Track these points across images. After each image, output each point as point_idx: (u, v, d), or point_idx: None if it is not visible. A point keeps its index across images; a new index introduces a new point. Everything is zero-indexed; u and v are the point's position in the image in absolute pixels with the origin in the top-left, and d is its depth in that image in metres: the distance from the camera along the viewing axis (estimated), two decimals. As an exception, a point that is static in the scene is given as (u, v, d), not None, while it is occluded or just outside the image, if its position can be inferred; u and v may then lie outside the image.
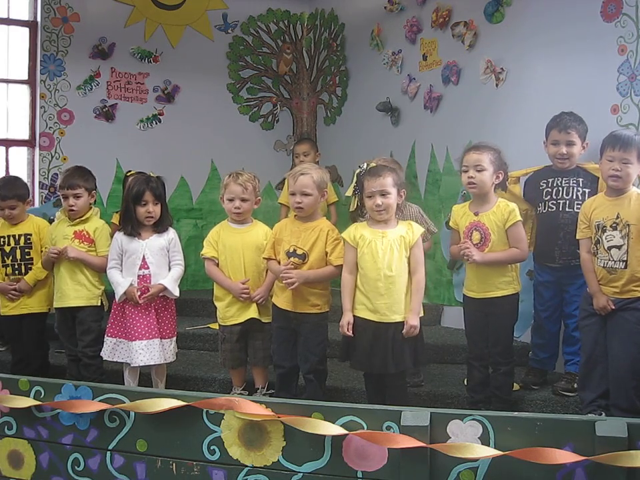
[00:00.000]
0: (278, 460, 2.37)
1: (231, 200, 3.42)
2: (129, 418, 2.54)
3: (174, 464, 2.49)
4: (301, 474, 2.35)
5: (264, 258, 3.36)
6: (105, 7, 5.45)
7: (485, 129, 4.20)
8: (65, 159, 5.29)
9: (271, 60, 6.09)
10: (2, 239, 3.81)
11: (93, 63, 5.44)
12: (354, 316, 3.09)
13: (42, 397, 2.65)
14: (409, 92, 4.97)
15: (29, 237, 3.81)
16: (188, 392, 2.67)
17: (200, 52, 5.75)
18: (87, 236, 3.62)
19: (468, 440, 2.19)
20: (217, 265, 3.49)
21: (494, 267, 3.17)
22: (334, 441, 2.30)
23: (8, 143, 5.36)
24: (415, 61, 4.94)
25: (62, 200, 3.66)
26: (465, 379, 3.54)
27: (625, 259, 2.95)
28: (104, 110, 5.47)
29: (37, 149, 5.30)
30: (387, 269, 3.02)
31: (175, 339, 3.54)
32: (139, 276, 3.44)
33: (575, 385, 3.35)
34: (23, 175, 5.32)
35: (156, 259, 3.46)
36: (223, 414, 2.43)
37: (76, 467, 2.61)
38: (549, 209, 3.43)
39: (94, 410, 2.55)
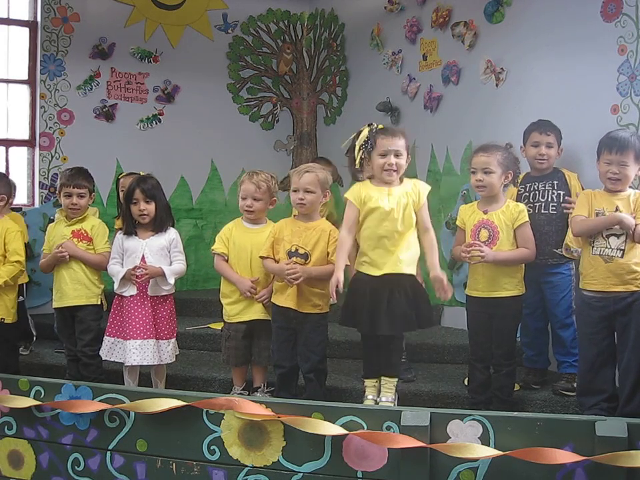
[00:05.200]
0: (278, 460, 2.38)
1: (244, 198, 3.43)
2: (128, 418, 2.54)
3: (174, 464, 2.49)
4: (301, 474, 2.35)
5: (260, 257, 3.35)
6: (105, 7, 5.44)
7: (485, 128, 4.20)
8: (65, 159, 5.28)
9: (271, 60, 6.09)
10: None
11: (93, 63, 5.43)
12: (358, 272, 3.11)
13: (42, 397, 2.66)
14: (409, 92, 4.97)
15: None
16: (188, 392, 2.68)
17: (200, 52, 5.74)
18: (85, 234, 3.63)
19: (468, 440, 2.19)
20: (227, 261, 3.48)
21: (502, 266, 3.19)
22: (334, 441, 2.31)
23: (8, 143, 5.35)
24: (415, 61, 4.94)
25: (63, 198, 3.64)
26: (465, 379, 3.54)
27: (623, 247, 2.98)
28: (104, 110, 5.47)
29: (37, 149, 5.30)
30: (394, 225, 3.05)
31: (173, 340, 3.52)
32: (138, 276, 3.43)
33: (575, 385, 3.36)
34: (23, 175, 5.33)
35: (155, 258, 3.47)
36: (223, 414, 2.43)
37: (76, 467, 2.62)
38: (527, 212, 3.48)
39: (94, 410, 2.56)
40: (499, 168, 3.18)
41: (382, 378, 3.22)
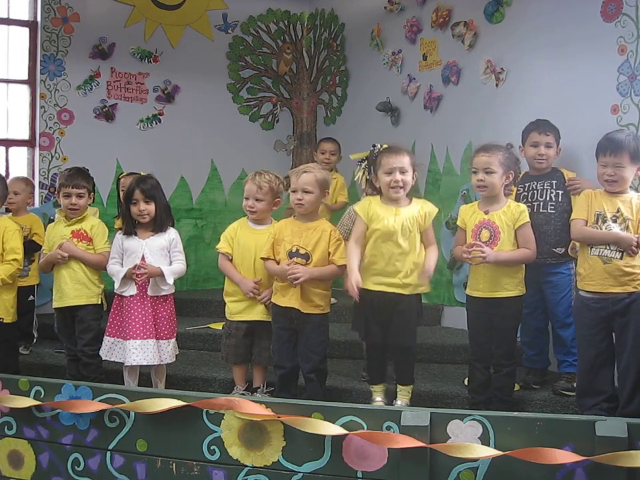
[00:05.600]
0: (278, 460, 2.38)
1: (246, 198, 3.46)
2: (128, 418, 2.54)
3: (174, 464, 2.49)
4: (301, 474, 2.35)
5: (261, 258, 3.36)
6: (105, 7, 5.44)
7: (485, 129, 4.20)
8: (65, 159, 5.28)
9: (271, 60, 6.09)
10: None
11: (93, 63, 5.43)
12: (365, 289, 3.16)
13: (42, 397, 2.66)
14: (409, 92, 4.97)
15: None
16: (188, 392, 2.68)
17: (200, 52, 5.74)
18: (85, 234, 3.62)
19: (468, 440, 2.19)
20: (231, 260, 3.49)
21: (503, 267, 3.18)
22: (334, 441, 2.31)
23: (8, 143, 5.35)
24: (415, 61, 4.94)
25: (62, 198, 3.64)
26: (465, 379, 3.54)
27: (622, 249, 2.98)
28: (104, 110, 5.46)
29: (37, 149, 5.29)
30: (399, 246, 3.12)
31: (173, 340, 3.52)
32: (137, 275, 3.43)
33: (575, 385, 3.35)
34: (23, 175, 5.32)
35: (155, 258, 3.47)
36: (223, 414, 2.43)
37: (76, 467, 2.62)
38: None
39: (94, 410, 2.55)
40: (500, 168, 3.18)
41: (397, 385, 3.28)
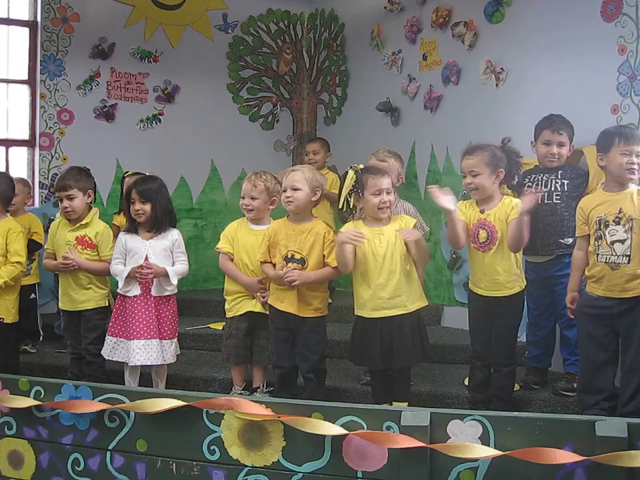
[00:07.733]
0: (278, 460, 2.37)
1: (243, 197, 3.50)
2: (128, 418, 2.54)
3: (174, 464, 2.49)
4: (301, 474, 2.35)
5: (258, 261, 3.37)
6: (105, 7, 5.44)
7: (485, 129, 4.20)
8: (65, 159, 5.28)
9: (271, 60, 6.09)
10: None
11: (93, 63, 5.43)
12: (360, 317, 3.17)
13: (42, 397, 2.65)
14: (408, 92, 4.97)
15: None
16: (188, 392, 2.67)
17: (200, 52, 5.75)
18: (90, 242, 3.60)
19: (468, 440, 2.19)
20: (232, 260, 3.51)
21: (501, 264, 3.15)
22: (334, 441, 2.30)
23: (8, 143, 5.35)
24: (415, 61, 4.94)
25: (60, 204, 3.63)
26: (465, 379, 3.54)
27: (629, 253, 2.95)
28: (104, 110, 5.46)
29: (37, 149, 5.30)
30: (387, 265, 3.10)
31: (175, 340, 3.54)
32: (143, 275, 3.44)
33: (575, 385, 3.35)
34: (23, 175, 5.31)
35: (159, 259, 3.48)
36: (223, 414, 2.43)
37: (76, 467, 2.61)
38: None
39: (94, 410, 2.55)
40: (486, 168, 3.15)
41: (394, 403, 3.24)
